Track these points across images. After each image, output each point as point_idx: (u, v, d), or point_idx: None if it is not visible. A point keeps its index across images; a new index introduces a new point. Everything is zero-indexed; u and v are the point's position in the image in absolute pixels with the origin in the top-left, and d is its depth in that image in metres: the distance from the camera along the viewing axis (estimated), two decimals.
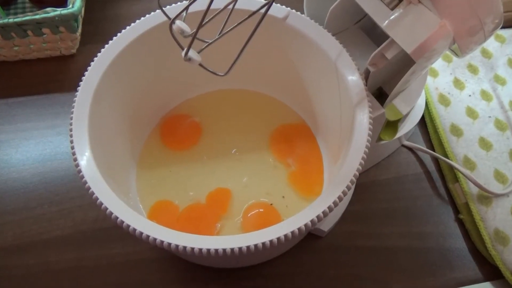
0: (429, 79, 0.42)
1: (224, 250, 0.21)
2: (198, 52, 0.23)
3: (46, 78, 0.44)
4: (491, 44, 0.44)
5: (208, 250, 0.21)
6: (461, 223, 0.36)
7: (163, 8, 0.26)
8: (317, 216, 0.22)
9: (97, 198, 0.23)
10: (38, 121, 0.42)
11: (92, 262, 0.34)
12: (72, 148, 0.25)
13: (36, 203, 0.37)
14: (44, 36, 0.42)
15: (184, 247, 0.21)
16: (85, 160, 0.24)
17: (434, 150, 0.39)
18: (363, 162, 0.25)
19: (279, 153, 0.36)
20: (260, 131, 0.37)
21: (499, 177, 0.36)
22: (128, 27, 0.29)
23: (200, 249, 0.21)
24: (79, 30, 0.45)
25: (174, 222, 0.32)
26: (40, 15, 0.40)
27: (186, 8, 0.24)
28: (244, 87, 0.39)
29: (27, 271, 0.34)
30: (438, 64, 0.42)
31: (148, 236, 0.22)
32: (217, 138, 0.37)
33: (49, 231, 0.36)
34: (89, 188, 0.23)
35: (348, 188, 0.23)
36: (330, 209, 0.23)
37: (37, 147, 0.40)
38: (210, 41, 0.23)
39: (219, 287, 0.33)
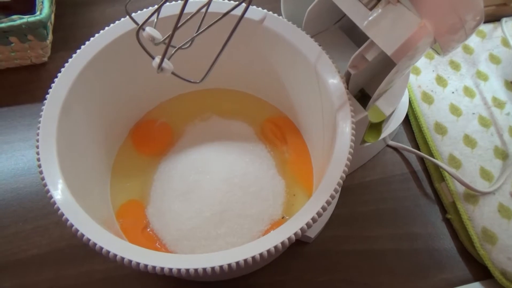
0: (412, 77, 0.41)
1: (195, 270, 0.20)
2: (168, 59, 0.22)
3: (16, 88, 0.42)
4: (472, 40, 0.43)
5: (179, 270, 0.20)
6: (448, 222, 0.36)
7: (132, 15, 0.24)
8: (295, 234, 0.21)
9: (72, 225, 0.22)
10: (9, 134, 0.40)
11: (71, 281, 0.33)
12: (40, 166, 0.23)
13: (9, 221, 0.35)
14: (12, 45, 0.40)
15: (154, 267, 0.20)
16: (57, 188, 0.23)
17: (419, 149, 0.39)
18: (346, 169, 0.24)
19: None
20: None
21: (485, 174, 0.36)
22: (96, 35, 0.28)
23: (177, 269, 0.20)
24: (50, 37, 0.43)
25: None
26: (5, 23, 0.38)
27: (157, 12, 0.23)
28: (224, 86, 0.37)
29: None
30: (420, 61, 0.42)
31: (129, 261, 0.21)
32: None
33: (25, 250, 0.34)
34: (62, 214, 0.22)
35: (328, 203, 0.22)
36: (313, 221, 0.22)
37: (9, 162, 0.38)
38: (180, 45, 0.22)
39: None
